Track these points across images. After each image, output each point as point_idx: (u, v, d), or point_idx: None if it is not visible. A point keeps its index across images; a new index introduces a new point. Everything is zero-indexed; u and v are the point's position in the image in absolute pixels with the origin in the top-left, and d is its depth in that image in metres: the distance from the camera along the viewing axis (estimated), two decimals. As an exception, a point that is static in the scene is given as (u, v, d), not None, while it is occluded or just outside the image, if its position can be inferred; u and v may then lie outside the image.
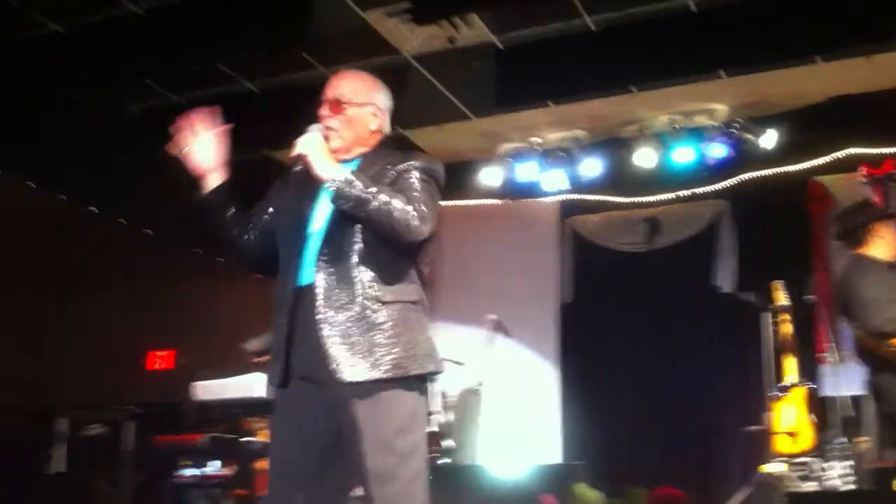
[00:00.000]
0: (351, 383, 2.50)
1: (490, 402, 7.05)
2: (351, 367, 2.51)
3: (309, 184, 2.73)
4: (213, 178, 2.84)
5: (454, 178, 8.27)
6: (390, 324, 2.57)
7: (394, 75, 6.44)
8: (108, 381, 8.68)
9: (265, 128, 7.16)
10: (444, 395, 7.21)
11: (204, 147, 2.83)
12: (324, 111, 2.80)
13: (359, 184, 2.56)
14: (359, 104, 2.84)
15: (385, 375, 2.52)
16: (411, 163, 2.73)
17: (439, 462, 6.87)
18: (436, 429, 7.18)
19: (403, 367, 2.55)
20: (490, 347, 6.93)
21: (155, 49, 6.08)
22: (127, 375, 9.07)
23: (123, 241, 8.28)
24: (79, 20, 6.03)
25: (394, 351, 2.54)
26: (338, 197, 2.56)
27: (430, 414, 6.88)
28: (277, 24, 5.67)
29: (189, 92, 7.12)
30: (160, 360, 9.35)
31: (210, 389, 4.78)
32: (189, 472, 5.76)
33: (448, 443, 7.04)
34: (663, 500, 5.74)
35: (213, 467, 5.73)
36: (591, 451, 7.29)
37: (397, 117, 7.10)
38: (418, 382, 2.63)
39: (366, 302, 2.56)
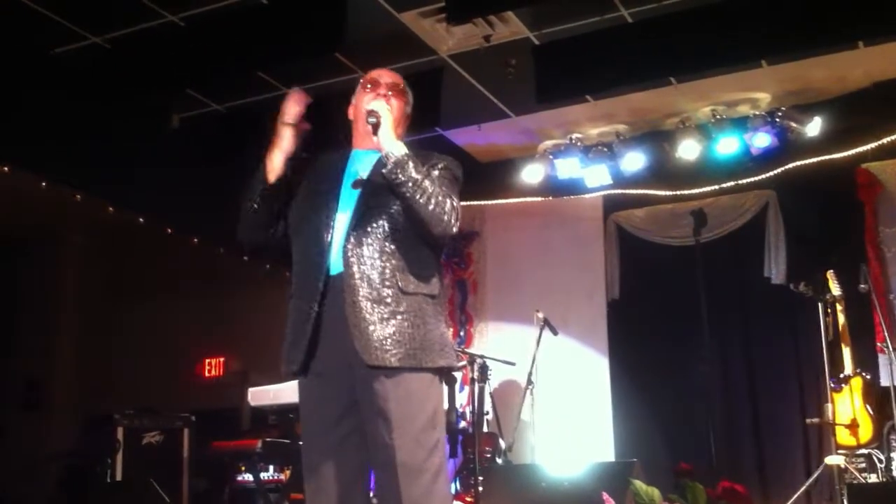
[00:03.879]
0: (372, 371, 2.57)
1: (542, 401, 7.01)
2: (371, 352, 2.56)
3: (332, 173, 2.83)
4: (276, 168, 2.84)
5: (496, 176, 8.32)
6: (409, 314, 2.63)
7: (431, 76, 6.52)
8: (165, 388, 8.83)
9: (306, 134, 7.21)
10: (493, 396, 7.21)
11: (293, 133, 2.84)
12: (381, 91, 2.87)
13: (413, 163, 2.65)
14: (407, 103, 2.95)
15: (399, 364, 2.57)
16: (435, 161, 2.80)
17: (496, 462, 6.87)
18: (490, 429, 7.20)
19: (418, 358, 2.60)
20: (540, 345, 6.90)
21: (195, 59, 6.14)
22: (183, 382, 9.22)
23: (175, 250, 8.39)
24: (119, 32, 6.12)
25: (410, 341, 2.60)
26: (394, 168, 2.62)
27: (486, 413, 6.89)
28: (316, 31, 5.69)
29: (229, 100, 7.20)
30: (215, 366, 9.48)
31: (264, 395, 4.80)
32: (246, 477, 5.81)
33: (502, 443, 7.03)
34: (726, 494, 5.66)
35: (269, 472, 5.77)
36: (644, 447, 7.23)
37: (437, 118, 7.12)
38: (439, 378, 2.70)
39: (387, 290, 2.62)
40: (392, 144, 2.67)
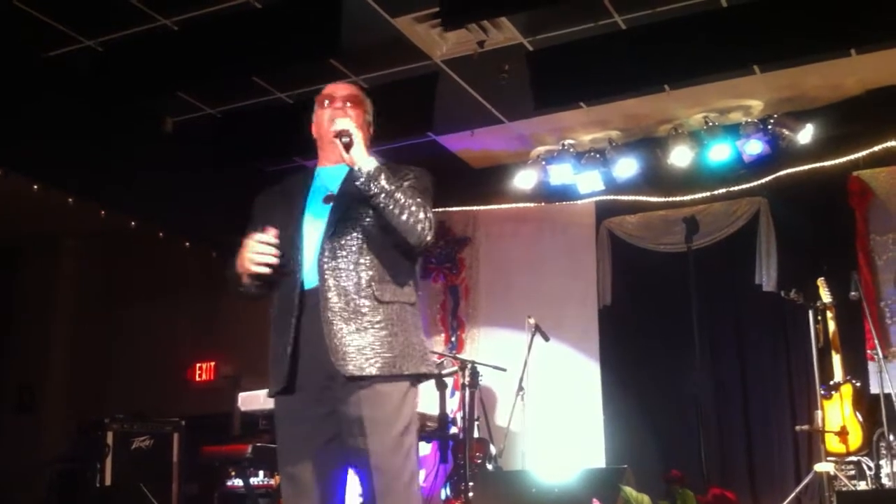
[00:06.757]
0: (351, 382, 2.59)
1: (533, 407, 7.01)
2: (348, 363, 2.59)
3: (298, 193, 2.85)
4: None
5: (489, 182, 8.33)
6: (387, 323, 2.66)
7: (425, 81, 6.53)
8: (155, 392, 8.81)
9: (298, 138, 7.21)
10: (484, 401, 7.21)
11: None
12: (338, 104, 2.88)
13: (384, 175, 2.68)
14: (367, 111, 2.97)
15: (380, 373, 2.60)
16: (406, 173, 2.83)
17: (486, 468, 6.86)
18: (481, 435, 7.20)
19: (397, 366, 2.64)
20: (531, 351, 6.90)
21: (188, 63, 6.14)
22: (173, 387, 9.20)
23: (167, 254, 8.37)
24: (112, 35, 6.11)
25: (390, 350, 2.64)
26: (368, 180, 2.65)
27: (476, 419, 6.89)
28: (310, 35, 5.70)
29: (223, 104, 7.20)
30: (206, 371, 9.46)
31: (255, 399, 4.80)
32: (236, 482, 5.78)
33: (493, 448, 7.03)
34: (717, 501, 5.67)
35: (259, 477, 5.76)
36: (635, 453, 7.24)
37: (430, 123, 7.12)
38: (414, 383, 2.73)
39: (363, 301, 2.65)
40: (364, 160, 2.69)
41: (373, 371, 2.60)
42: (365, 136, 2.88)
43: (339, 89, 2.94)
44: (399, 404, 2.65)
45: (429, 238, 2.72)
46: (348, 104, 2.89)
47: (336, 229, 2.72)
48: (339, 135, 2.72)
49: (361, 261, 2.69)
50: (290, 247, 2.74)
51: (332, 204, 2.78)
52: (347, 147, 2.70)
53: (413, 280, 2.82)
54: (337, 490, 2.73)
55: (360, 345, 2.61)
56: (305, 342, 2.68)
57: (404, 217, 2.66)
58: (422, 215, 2.69)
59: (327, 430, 2.68)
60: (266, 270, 2.70)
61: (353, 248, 2.70)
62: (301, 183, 2.91)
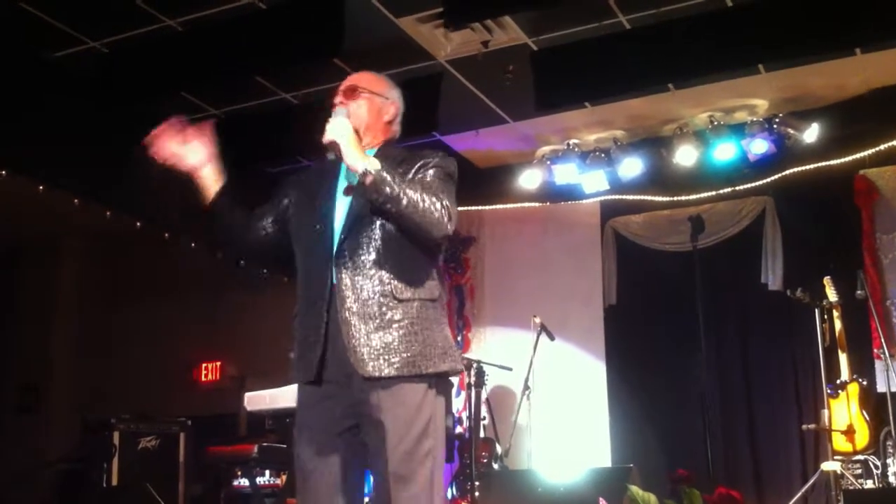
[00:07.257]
0: (369, 382, 2.55)
1: (539, 406, 7.01)
2: (366, 363, 2.55)
3: (327, 179, 2.79)
4: (211, 182, 2.88)
5: (493, 182, 8.34)
6: (406, 321, 2.61)
7: (430, 81, 6.53)
8: (162, 392, 8.82)
9: (304, 138, 7.21)
10: (490, 401, 7.20)
11: (189, 150, 2.87)
12: (337, 99, 2.83)
13: (389, 177, 2.57)
14: (374, 92, 2.87)
15: (398, 373, 2.56)
16: (427, 160, 2.75)
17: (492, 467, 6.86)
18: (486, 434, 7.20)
19: (418, 365, 2.59)
20: (537, 351, 6.90)
21: (192, 64, 6.14)
22: (180, 387, 9.22)
23: (173, 255, 8.38)
24: (117, 36, 6.12)
25: (409, 348, 2.58)
26: (370, 189, 2.55)
27: (482, 419, 6.88)
28: (314, 35, 5.70)
29: (227, 105, 7.20)
30: (212, 371, 9.48)
31: (261, 399, 4.80)
32: (242, 482, 5.79)
33: (499, 448, 7.03)
34: (723, 500, 5.66)
35: (266, 477, 5.77)
36: (641, 453, 7.24)
37: (435, 123, 7.12)
38: (437, 383, 2.66)
39: (382, 299, 2.60)
40: (361, 163, 2.56)
41: (391, 372, 2.55)
42: (379, 119, 2.83)
43: (344, 83, 2.86)
44: (418, 404, 2.59)
45: (450, 228, 2.63)
46: (358, 93, 2.82)
47: (354, 224, 2.67)
48: (327, 148, 2.62)
49: (379, 258, 2.63)
50: (318, 239, 2.70)
51: (351, 197, 2.71)
52: (340, 158, 2.62)
53: (436, 275, 2.74)
54: (351, 485, 2.68)
55: (377, 345, 2.56)
56: (332, 337, 2.63)
57: (420, 212, 2.57)
58: (438, 206, 2.60)
59: (345, 423, 2.65)
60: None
61: (372, 245, 2.64)
62: (327, 172, 2.85)
